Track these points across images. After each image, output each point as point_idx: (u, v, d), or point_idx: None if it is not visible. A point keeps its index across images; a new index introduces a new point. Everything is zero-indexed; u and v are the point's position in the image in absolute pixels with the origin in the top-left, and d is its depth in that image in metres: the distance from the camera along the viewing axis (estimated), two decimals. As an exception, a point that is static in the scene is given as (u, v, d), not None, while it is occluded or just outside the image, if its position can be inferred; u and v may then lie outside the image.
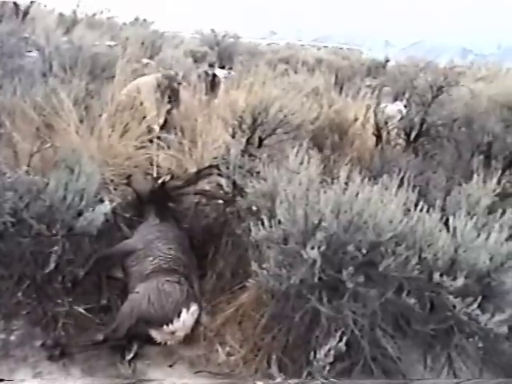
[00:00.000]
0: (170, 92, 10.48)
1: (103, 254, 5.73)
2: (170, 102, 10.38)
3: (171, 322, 5.16)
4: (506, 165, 7.22)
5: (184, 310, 5.24)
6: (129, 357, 4.93)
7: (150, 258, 5.68)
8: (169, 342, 5.23)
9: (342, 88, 12.72)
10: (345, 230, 4.28)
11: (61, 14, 17.78)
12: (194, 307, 5.35)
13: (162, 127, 9.47)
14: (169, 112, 10.05)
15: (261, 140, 6.64)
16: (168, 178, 6.67)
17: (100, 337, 5.00)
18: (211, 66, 14.17)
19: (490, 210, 4.99)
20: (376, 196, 4.40)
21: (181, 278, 5.52)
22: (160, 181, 6.60)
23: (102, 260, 5.69)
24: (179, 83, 10.95)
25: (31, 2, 12.16)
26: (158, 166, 6.83)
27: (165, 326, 5.16)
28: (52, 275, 5.19)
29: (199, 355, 5.08)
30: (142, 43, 16.46)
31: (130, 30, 20.39)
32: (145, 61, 14.39)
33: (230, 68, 17.74)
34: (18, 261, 5.11)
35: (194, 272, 5.84)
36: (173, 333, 5.20)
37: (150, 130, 8.34)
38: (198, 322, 5.43)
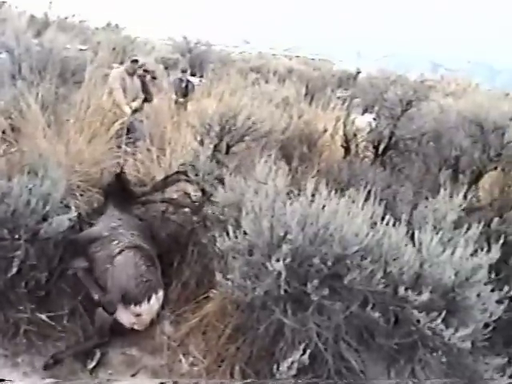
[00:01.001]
0: (139, 81, 10.57)
1: (69, 239, 5.64)
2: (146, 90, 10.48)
3: (140, 303, 5.25)
4: (473, 180, 7.27)
5: (153, 295, 5.34)
6: (91, 365, 4.89)
7: (116, 241, 5.69)
8: (136, 327, 5.30)
9: (312, 99, 12.78)
10: (310, 243, 4.27)
11: (32, 16, 17.58)
12: (160, 293, 5.47)
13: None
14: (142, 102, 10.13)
15: (228, 147, 6.63)
16: (124, 169, 6.70)
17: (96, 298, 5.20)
18: (183, 71, 14.17)
19: (456, 224, 5.00)
20: (343, 209, 4.39)
21: (147, 261, 5.58)
22: (115, 173, 6.62)
23: (68, 252, 5.63)
24: (146, 70, 11.02)
25: (2, 2, 12.01)
26: (123, 172, 6.75)
27: (133, 306, 5.23)
28: (14, 281, 5.12)
29: (162, 365, 5.06)
30: (114, 48, 16.41)
31: (101, 35, 20.36)
32: (115, 66, 14.33)
33: (201, 76, 17.75)
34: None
35: (156, 259, 5.85)
36: (139, 315, 5.26)
37: (119, 136, 8.30)
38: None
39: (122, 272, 5.32)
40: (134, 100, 10.35)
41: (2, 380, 4.33)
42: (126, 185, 6.60)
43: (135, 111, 10.05)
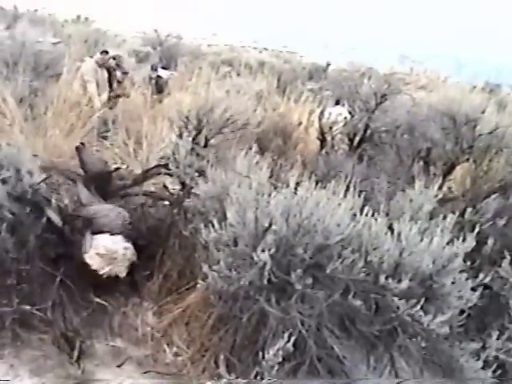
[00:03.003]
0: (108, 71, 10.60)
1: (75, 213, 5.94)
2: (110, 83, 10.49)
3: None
4: (446, 171, 7.41)
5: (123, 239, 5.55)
6: (76, 355, 4.93)
7: (100, 220, 5.77)
8: (99, 270, 5.39)
9: (284, 91, 12.85)
10: (294, 234, 4.35)
11: (1, 8, 17.45)
12: (129, 245, 5.59)
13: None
14: (114, 96, 10.14)
15: (207, 140, 6.68)
16: (123, 166, 6.75)
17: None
18: (154, 69, 14.19)
19: (432, 215, 5.13)
20: (324, 200, 4.49)
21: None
22: (115, 166, 6.66)
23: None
24: (117, 64, 11.04)
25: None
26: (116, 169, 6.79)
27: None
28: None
29: (147, 355, 5.08)
30: (85, 41, 16.36)
31: (72, 28, 20.23)
32: (87, 59, 14.30)
33: (174, 69, 17.72)
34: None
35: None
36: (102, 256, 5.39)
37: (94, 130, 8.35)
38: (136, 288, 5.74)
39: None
40: (103, 92, 10.39)
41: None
42: (110, 178, 6.64)
43: (107, 103, 10.09)
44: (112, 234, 5.60)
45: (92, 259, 5.38)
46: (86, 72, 10.10)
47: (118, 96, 10.83)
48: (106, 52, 10.80)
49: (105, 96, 10.42)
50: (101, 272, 5.38)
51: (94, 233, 5.59)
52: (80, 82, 10.04)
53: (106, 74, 10.70)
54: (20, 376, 4.59)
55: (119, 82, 11.20)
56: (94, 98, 9.74)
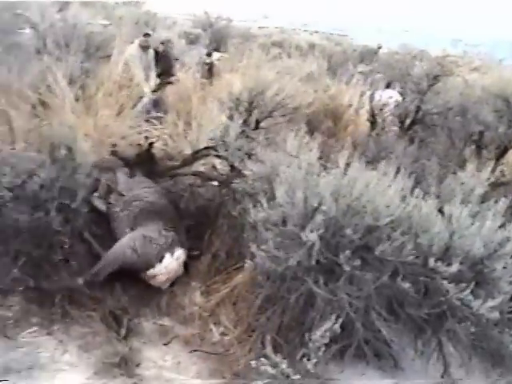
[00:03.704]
0: (156, 55, 10.61)
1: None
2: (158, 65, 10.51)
3: (153, 266, 5.41)
4: (499, 154, 7.29)
5: (167, 255, 5.49)
6: (123, 333, 4.99)
7: (136, 202, 5.91)
8: (152, 283, 5.51)
9: (335, 74, 12.76)
10: (343, 214, 4.33)
11: (54, -9, 17.57)
12: (178, 251, 5.60)
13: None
14: (163, 83, 10.16)
15: (258, 122, 6.67)
16: (154, 140, 6.78)
17: (80, 281, 5.19)
18: (208, 54, 14.17)
19: (483, 198, 5.05)
20: (374, 181, 4.45)
21: (167, 222, 5.73)
22: (147, 143, 6.70)
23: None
24: (162, 43, 11.05)
25: (25, -22, 11.98)
26: (151, 144, 6.81)
27: (147, 270, 5.41)
28: (48, 251, 5.24)
29: (194, 334, 5.11)
30: (136, 23, 16.39)
31: (122, 10, 20.28)
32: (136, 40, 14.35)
33: (224, 51, 17.67)
34: (14, 237, 5.13)
35: (178, 221, 6.02)
36: (154, 276, 5.46)
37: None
38: (185, 268, 5.79)
39: (127, 248, 5.43)
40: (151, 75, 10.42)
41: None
42: (153, 157, 6.67)
43: (156, 90, 10.12)
44: (154, 220, 5.71)
45: (154, 281, 5.53)
46: (130, 57, 10.10)
47: (168, 83, 10.82)
48: (149, 34, 10.77)
49: (152, 80, 10.44)
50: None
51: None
52: (124, 65, 10.05)
53: (151, 56, 10.71)
54: (68, 351, 4.65)
55: (168, 69, 11.20)
56: (141, 83, 9.75)
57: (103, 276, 5.24)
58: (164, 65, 10.96)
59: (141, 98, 8.71)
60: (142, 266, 5.43)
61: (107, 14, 17.67)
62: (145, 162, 6.52)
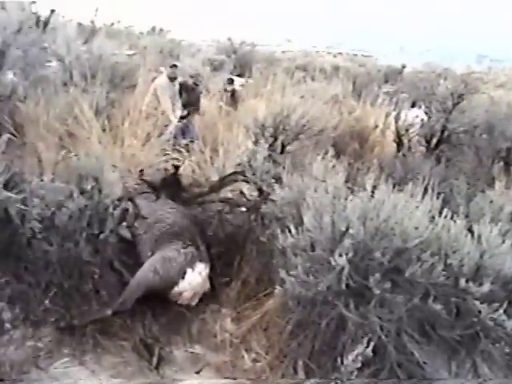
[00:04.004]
0: (183, 87, 10.72)
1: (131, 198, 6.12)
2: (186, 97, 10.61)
3: (177, 284, 5.49)
4: (527, 171, 7.24)
5: (189, 271, 5.58)
6: (155, 362, 4.99)
7: (157, 224, 6.01)
8: (179, 301, 5.59)
9: (360, 95, 12.77)
10: (371, 237, 4.31)
11: (79, 24, 17.82)
12: (200, 266, 5.70)
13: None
14: (189, 112, 10.24)
15: (283, 146, 6.70)
16: (181, 165, 6.84)
17: (108, 311, 5.22)
18: (230, 82, 14.27)
19: (512, 216, 5.01)
20: (402, 203, 4.43)
21: (186, 241, 5.82)
22: (172, 168, 6.79)
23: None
24: (191, 76, 11.17)
25: (51, 11, 12.16)
26: (177, 168, 6.86)
27: (172, 289, 5.50)
28: (78, 281, 5.28)
29: (225, 361, 5.10)
30: (160, 52, 16.56)
31: (147, 39, 20.55)
32: (163, 69, 14.48)
33: (249, 76, 17.78)
34: (44, 268, 5.18)
35: (199, 236, 6.09)
36: (180, 294, 5.54)
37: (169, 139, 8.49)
38: (211, 284, 5.90)
39: (149, 272, 5.51)
40: (178, 106, 10.51)
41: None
42: (179, 181, 6.77)
43: (182, 118, 10.21)
44: (173, 241, 5.80)
45: (182, 299, 5.62)
46: (159, 87, 10.21)
47: (195, 111, 10.90)
48: (176, 65, 10.90)
49: (178, 110, 10.52)
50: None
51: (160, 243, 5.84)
52: (152, 96, 10.14)
53: (177, 88, 10.80)
54: (101, 382, 4.67)
55: (195, 101, 11.29)
56: (168, 113, 9.85)
57: (130, 304, 5.28)
58: (191, 97, 11.03)
59: (166, 126, 8.76)
60: (167, 286, 5.50)
61: (132, 44, 17.91)
62: (171, 186, 6.57)
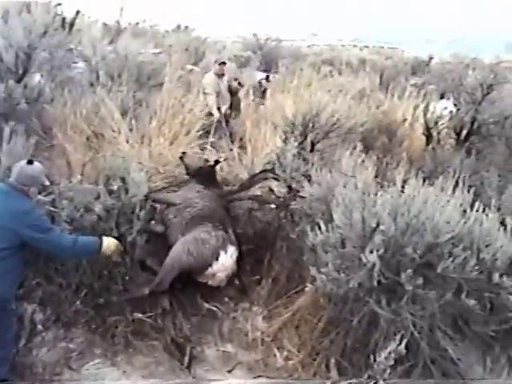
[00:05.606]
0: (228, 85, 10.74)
1: (152, 197, 6.09)
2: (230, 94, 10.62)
3: (211, 265, 5.59)
4: (560, 162, 7.12)
5: (222, 253, 5.68)
6: (186, 361, 5.00)
7: (188, 209, 6.08)
8: (210, 282, 5.72)
9: (387, 88, 12.67)
10: (402, 233, 4.27)
11: (105, 24, 17.88)
12: (231, 248, 5.80)
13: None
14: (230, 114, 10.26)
15: (313, 144, 6.67)
16: (221, 159, 6.90)
17: (146, 291, 5.38)
18: (267, 78, 14.19)
19: (546, 209, 4.94)
20: (432, 197, 4.38)
21: (215, 223, 5.91)
22: (213, 160, 6.79)
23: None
24: (235, 79, 11.15)
25: (76, 13, 12.18)
26: (217, 162, 6.86)
27: (206, 271, 5.58)
28: (109, 282, 5.32)
29: (257, 360, 5.11)
30: (186, 50, 16.56)
31: (172, 38, 20.54)
32: (189, 67, 14.46)
33: (275, 72, 17.72)
34: (74, 270, 5.21)
35: (228, 221, 6.21)
36: (213, 275, 5.65)
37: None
38: (238, 265, 5.93)
39: (182, 253, 5.59)
40: (224, 103, 10.48)
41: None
42: (214, 174, 6.80)
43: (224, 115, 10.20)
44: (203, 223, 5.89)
45: (213, 280, 5.70)
46: (207, 85, 10.18)
47: (238, 113, 10.87)
48: (224, 63, 10.88)
49: (226, 107, 10.49)
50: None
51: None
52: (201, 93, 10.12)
53: (226, 85, 10.77)
54: (133, 382, 4.68)
55: (237, 105, 11.25)
56: (212, 110, 9.82)
57: (167, 284, 5.40)
58: (235, 101, 10.99)
59: (194, 123, 8.74)
60: (200, 267, 5.61)
61: (157, 43, 17.88)
62: (205, 176, 6.59)
